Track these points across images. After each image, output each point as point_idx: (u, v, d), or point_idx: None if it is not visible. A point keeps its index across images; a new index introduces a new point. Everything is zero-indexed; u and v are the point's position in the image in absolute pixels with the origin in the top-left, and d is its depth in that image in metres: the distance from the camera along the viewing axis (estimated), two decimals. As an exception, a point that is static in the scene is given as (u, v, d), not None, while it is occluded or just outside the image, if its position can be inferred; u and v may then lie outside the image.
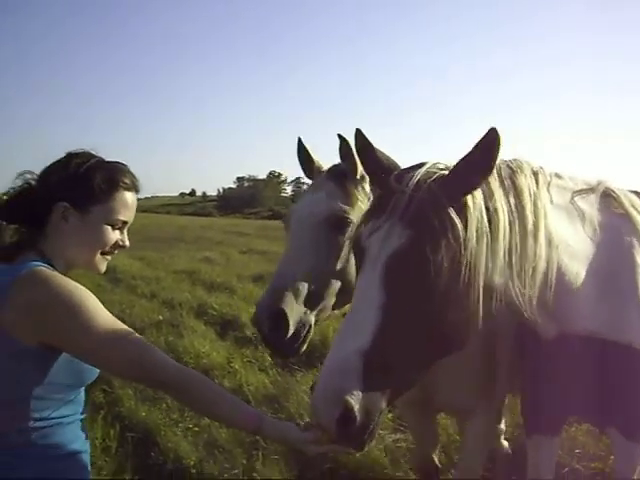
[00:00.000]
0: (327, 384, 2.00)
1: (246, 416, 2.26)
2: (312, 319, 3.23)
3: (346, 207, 3.32)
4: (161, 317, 10.52)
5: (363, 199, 3.40)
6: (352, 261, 2.83)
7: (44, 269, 2.11)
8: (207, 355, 8.09)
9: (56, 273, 2.13)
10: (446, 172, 2.27)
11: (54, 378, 2.13)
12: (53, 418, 2.18)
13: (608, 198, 2.96)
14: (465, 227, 2.16)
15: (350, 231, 3.19)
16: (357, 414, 1.95)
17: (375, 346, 2.02)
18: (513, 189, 2.41)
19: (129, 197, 2.34)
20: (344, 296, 3.24)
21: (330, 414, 1.96)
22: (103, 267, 2.37)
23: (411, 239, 2.13)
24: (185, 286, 14.22)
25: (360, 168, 3.31)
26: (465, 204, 2.21)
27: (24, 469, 2.12)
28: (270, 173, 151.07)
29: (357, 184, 3.43)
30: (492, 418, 3.79)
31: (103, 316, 2.11)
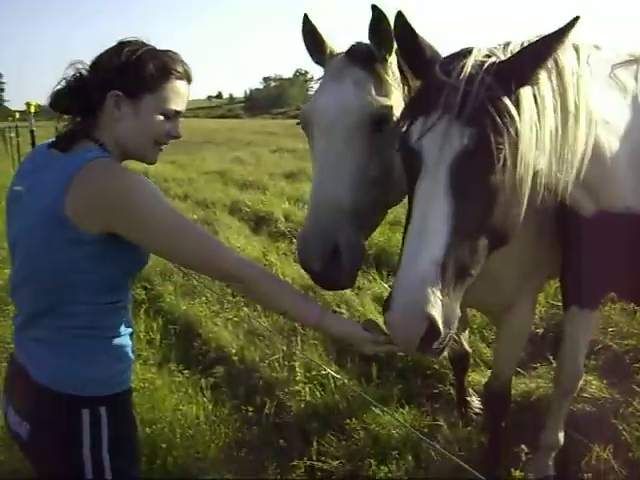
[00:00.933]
0: (408, 300, 1.91)
1: (309, 309, 2.24)
2: (364, 241, 2.70)
3: (384, 99, 2.69)
4: (195, 216, 10.62)
5: (397, 87, 2.78)
6: (396, 164, 2.53)
7: (112, 161, 2.12)
8: (242, 249, 8.19)
9: (123, 165, 2.15)
10: (495, 60, 2.08)
11: (111, 264, 2.16)
12: (107, 303, 2.22)
13: None
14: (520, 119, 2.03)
15: (391, 128, 2.63)
16: (441, 328, 1.90)
17: (450, 256, 1.95)
18: (556, 68, 2.22)
19: (181, 86, 2.28)
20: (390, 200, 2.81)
21: (415, 331, 1.89)
22: (156, 157, 2.35)
23: (475, 138, 1.98)
24: (217, 186, 14.31)
25: (395, 46, 2.64)
26: (518, 95, 2.06)
27: (75, 347, 2.20)
28: (296, 71, 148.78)
29: (388, 68, 2.76)
30: (531, 313, 3.59)
31: (169, 208, 2.12)
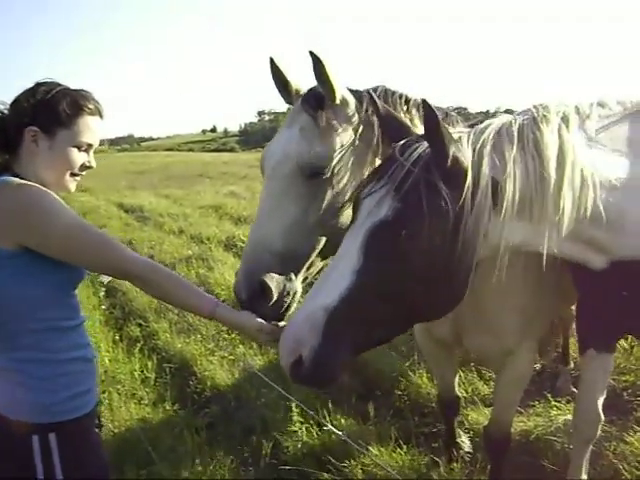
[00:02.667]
0: (289, 333, 2.17)
1: (202, 301, 2.41)
2: (298, 285, 2.73)
3: (321, 150, 2.70)
4: (190, 252, 10.62)
5: (346, 128, 2.78)
6: (344, 211, 2.71)
7: (16, 179, 2.25)
8: (238, 287, 8.16)
9: (26, 181, 2.26)
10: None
11: (39, 280, 2.25)
12: (48, 323, 2.29)
13: None
14: (460, 201, 2.15)
15: (330, 171, 2.71)
16: (309, 364, 2.10)
17: (340, 307, 2.12)
18: (535, 150, 2.31)
19: (93, 121, 2.44)
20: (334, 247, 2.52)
21: (287, 360, 2.16)
22: (72, 187, 2.47)
23: (397, 213, 2.15)
24: (212, 221, 14.30)
25: (339, 93, 2.73)
26: (464, 176, 2.17)
27: (21, 372, 2.27)
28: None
29: (336, 112, 2.76)
30: (531, 358, 3.56)
31: (68, 215, 2.25)
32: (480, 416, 4.57)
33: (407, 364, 5.43)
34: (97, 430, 2.74)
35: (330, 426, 2.77)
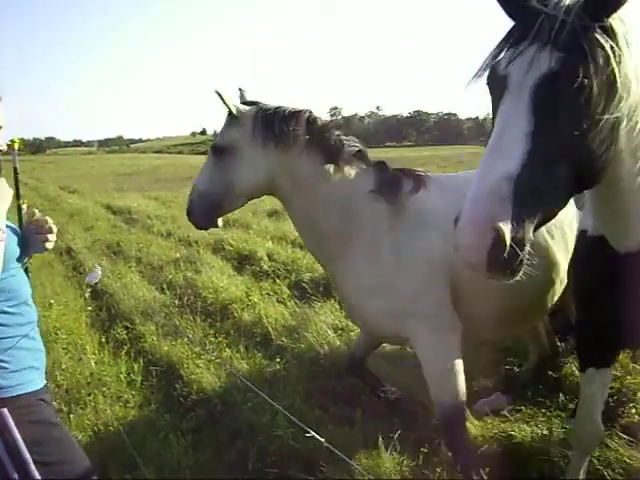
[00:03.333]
0: (476, 212, 1.94)
1: None
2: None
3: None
4: (178, 254, 10.61)
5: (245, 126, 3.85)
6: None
7: None
8: (225, 289, 8.17)
9: None
10: None
11: None
12: None
13: None
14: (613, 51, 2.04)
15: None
16: (508, 242, 1.91)
17: (525, 171, 1.96)
18: None
19: None
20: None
21: (481, 243, 1.91)
22: None
23: (563, 62, 2.01)
24: (200, 224, 14.26)
25: (234, 110, 3.87)
26: (611, 27, 2.07)
27: None
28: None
29: (237, 120, 3.88)
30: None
31: None
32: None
33: (394, 367, 5.43)
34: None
35: (313, 432, 2.76)
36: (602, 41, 2.03)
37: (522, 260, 1.99)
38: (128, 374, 5.79)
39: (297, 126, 3.77)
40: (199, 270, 9.27)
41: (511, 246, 1.91)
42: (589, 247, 2.97)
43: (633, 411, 4.66)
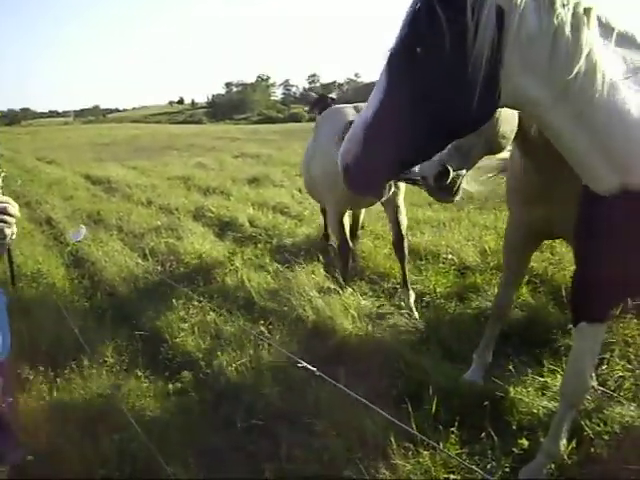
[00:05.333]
0: (343, 145, 2.61)
1: None
2: (464, 171, 3.83)
3: None
4: (159, 222, 10.60)
5: None
6: (501, 118, 3.57)
7: None
8: (208, 254, 8.21)
9: None
10: None
11: None
12: None
13: None
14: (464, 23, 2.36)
15: None
16: (352, 167, 2.60)
17: (374, 121, 2.52)
18: (548, 3, 2.41)
19: None
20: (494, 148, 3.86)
21: (341, 168, 2.65)
22: None
23: (404, 35, 2.49)
24: (181, 191, 14.27)
25: None
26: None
27: None
28: (258, 77, 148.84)
29: None
30: None
31: None
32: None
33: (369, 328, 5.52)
34: None
35: (304, 363, 2.87)
36: (443, 17, 2.37)
37: (373, 182, 2.72)
38: (113, 339, 5.82)
39: None
40: (181, 237, 9.29)
41: (357, 170, 2.60)
42: (582, 197, 2.94)
43: (608, 364, 4.79)
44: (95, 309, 6.81)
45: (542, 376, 4.63)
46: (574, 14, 2.41)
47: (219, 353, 5.34)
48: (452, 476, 3.65)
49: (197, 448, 4.16)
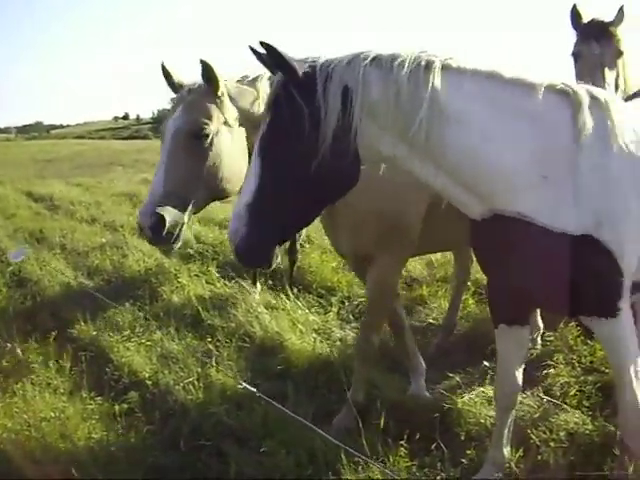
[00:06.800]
0: (230, 229, 2.81)
1: None
2: (185, 218, 3.95)
3: (203, 119, 3.87)
4: (104, 239, 10.43)
5: (226, 112, 3.99)
6: (222, 164, 3.93)
7: None
8: (154, 272, 8.11)
9: None
10: None
11: None
12: None
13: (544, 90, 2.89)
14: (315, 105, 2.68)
15: (211, 140, 3.89)
16: (241, 247, 2.79)
17: (255, 202, 2.74)
18: (388, 68, 2.72)
19: None
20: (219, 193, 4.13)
21: (232, 249, 2.86)
22: None
23: (269, 124, 2.78)
24: (126, 208, 14.05)
25: (222, 87, 3.95)
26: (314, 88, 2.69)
27: None
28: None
29: (217, 100, 3.96)
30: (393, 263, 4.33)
31: None
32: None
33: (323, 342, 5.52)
34: None
35: (244, 384, 3.00)
36: (299, 101, 2.72)
37: (262, 258, 2.92)
38: (57, 361, 5.69)
39: None
40: (126, 254, 9.15)
41: (246, 249, 2.81)
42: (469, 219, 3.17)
43: (552, 371, 4.88)
44: (39, 330, 6.65)
45: (488, 386, 4.67)
46: (413, 71, 2.71)
47: (166, 372, 5.27)
48: (402, 489, 3.65)
49: (144, 469, 4.08)
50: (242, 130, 4.10)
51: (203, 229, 10.61)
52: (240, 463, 4.01)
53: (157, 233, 3.82)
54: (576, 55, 4.98)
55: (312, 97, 2.68)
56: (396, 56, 2.74)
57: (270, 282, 7.31)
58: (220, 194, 4.14)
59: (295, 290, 6.92)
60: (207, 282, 7.66)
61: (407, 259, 4.58)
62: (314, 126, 2.67)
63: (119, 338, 6.07)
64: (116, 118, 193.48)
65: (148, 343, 5.93)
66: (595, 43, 4.91)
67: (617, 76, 4.83)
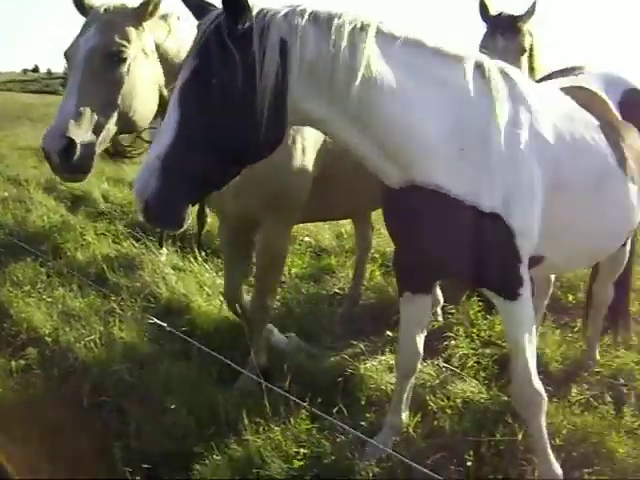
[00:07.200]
0: (137, 183, 2.53)
1: None
2: (97, 144, 3.51)
3: (122, 40, 3.51)
4: (7, 193, 10.05)
5: (145, 40, 3.67)
6: (137, 94, 3.59)
7: None
8: (58, 229, 7.89)
9: None
10: None
11: None
12: None
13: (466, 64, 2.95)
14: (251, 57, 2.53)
15: (128, 65, 3.52)
16: (152, 205, 2.52)
17: (170, 154, 2.51)
18: (327, 28, 2.63)
19: None
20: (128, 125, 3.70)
21: (139, 206, 2.57)
22: None
23: (195, 69, 2.56)
24: (32, 163, 13.57)
25: (150, 8, 3.64)
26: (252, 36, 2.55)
27: None
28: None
29: (137, 25, 3.63)
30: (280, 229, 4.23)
31: None
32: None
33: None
34: None
35: (154, 319, 2.99)
36: (233, 52, 2.52)
37: (175, 217, 2.64)
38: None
39: None
40: (30, 209, 8.86)
41: (158, 207, 2.55)
42: (382, 188, 3.19)
43: (453, 342, 5.02)
44: None
45: (390, 355, 4.78)
46: (350, 34, 2.64)
47: (67, 329, 5.15)
48: (302, 450, 3.69)
49: (41, 426, 3.99)
50: (159, 65, 3.77)
51: (112, 189, 10.37)
52: (140, 421, 3.98)
53: (66, 159, 3.37)
54: (482, 48, 4.95)
55: (247, 47, 2.53)
56: (333, 16, 2.65)
57: (179, 244, 7.20)
58: (130, 127, 3.73)
59: (203, 253, 6.84)
60: (114, 241, 7.51)
61: (293, 225, 4.51)
62: (247, 80, 2.53)
63: (19, 293, 5.90)
64: (25, 71, 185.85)
65: (49, 300, 5.78)
66: (500, 37, 5.00)
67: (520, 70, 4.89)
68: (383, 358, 4.77)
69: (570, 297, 6.25)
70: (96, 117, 3.46)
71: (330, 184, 4.14)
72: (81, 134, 3.40)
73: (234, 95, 2.54)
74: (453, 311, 5.60)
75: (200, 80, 2.54)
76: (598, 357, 4.89)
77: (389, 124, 2.78)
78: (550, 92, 3.57)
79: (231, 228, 4.48)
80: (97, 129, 3.49)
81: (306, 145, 3.96)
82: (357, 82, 2.63)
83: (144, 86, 3.65)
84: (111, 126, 3.56)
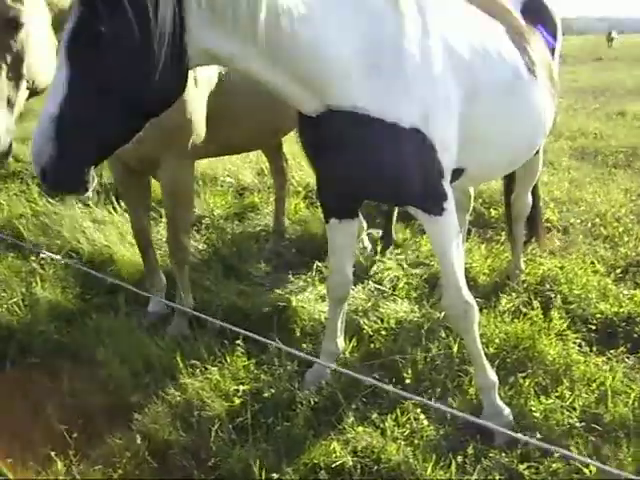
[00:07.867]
0: (32, 149, 2.35)
1: None
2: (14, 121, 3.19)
3: (15, 4, 3.05)
4: None
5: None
6: (42, 52, 3.20)
7: None
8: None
9: None
10: None
11: None
12: None
13: None
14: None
15: (27, 30, 3.09)
16: (50, 172, 2.35)
17: (64, 114, 2.31)
18: None
19: None
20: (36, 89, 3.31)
21: (37, 173, 2.40)
22: None
23: (79, 19, 2.32)
24: None
25: None
26: None
27: None
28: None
29: None
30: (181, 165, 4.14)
31: None
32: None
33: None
34: None
35: (47, 253, 2.84)
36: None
37: (77, 181, 2.45)
38: None
39: None
40: None
41: (57, 173, 2.37)
42: (298, 117, 3.12)
43: (382, 266, 5.07)
44: None
45: (321, 285, 4.79)
46: None
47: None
48: (242, 387, 3.68)
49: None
50: (49, 15, 3.32)
51: (21, 147, 9.95)
52: (73, 377, 3.90)
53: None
54: None
55: None
56: None
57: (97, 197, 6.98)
58: (38, 90, 3.33)
59: (123, 204, 6.66)
60: (28, 200, 7.22)
61: (193, 160, 4.37)
62: (140, 25, 2.29)
63: None
64: None
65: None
66: None
67: None
68: (314, 289, 4.78)
69: (492, 212, 6.40)
70: (7, 94, 3.10)
71: (226, 116, 4.09)
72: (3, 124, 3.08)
73: (127, 43, 2.32)
74: (379, 236, 5.64)
75: (87, 27, 2.30)
76: (523, 266, 5.02)
77: (300, 50, 2.65)
78: (456, 3, 3.53)
79: (125, 169, 4.34)
80: (11, 106, 3.16)
81: (198, 78, 3.85)
82: (262, 12, 2.46)
83: (45, 45, 3.29)
84: (22, 98, 3.24)
